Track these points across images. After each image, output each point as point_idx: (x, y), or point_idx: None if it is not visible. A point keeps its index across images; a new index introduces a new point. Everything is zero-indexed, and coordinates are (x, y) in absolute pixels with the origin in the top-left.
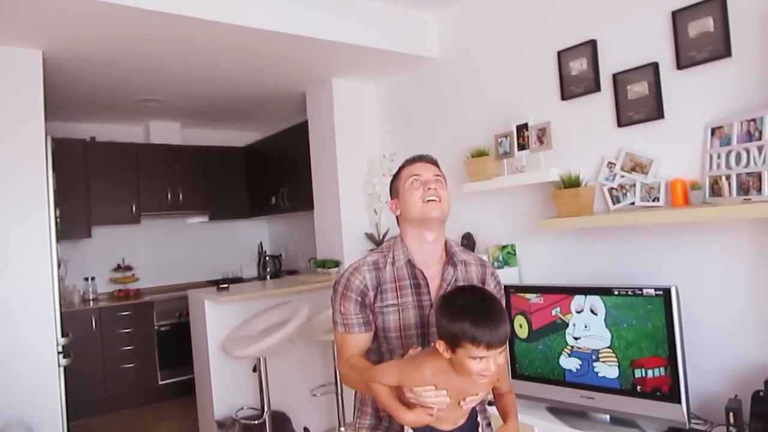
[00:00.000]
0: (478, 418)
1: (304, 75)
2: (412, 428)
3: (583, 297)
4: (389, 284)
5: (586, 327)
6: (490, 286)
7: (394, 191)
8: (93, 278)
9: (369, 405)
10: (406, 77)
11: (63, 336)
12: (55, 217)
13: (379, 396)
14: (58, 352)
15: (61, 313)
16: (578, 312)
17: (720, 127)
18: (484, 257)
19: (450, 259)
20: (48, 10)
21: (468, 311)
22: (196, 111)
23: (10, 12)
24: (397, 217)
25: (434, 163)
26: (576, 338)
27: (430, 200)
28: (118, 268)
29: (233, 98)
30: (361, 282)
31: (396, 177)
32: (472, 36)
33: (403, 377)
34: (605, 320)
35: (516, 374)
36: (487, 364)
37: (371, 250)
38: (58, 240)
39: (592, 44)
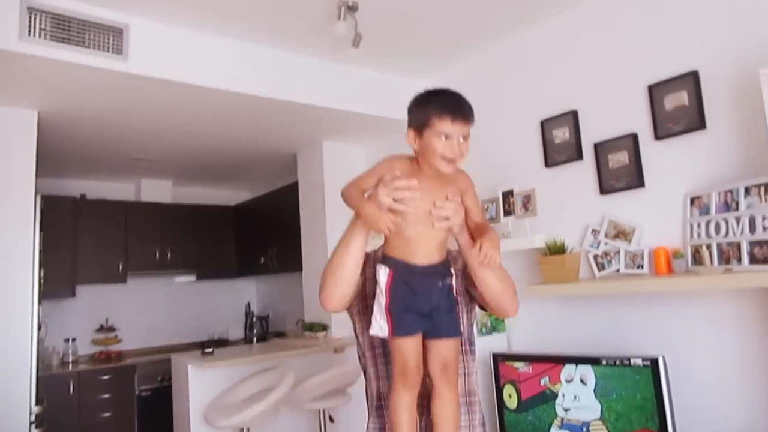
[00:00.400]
0: (452, 269)
1: (295, 137)
2: (387, 267)
3: (573, 366)
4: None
5: (575, 398)
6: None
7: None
8: (74, 339)
9: (375, 399)
10: (395, 140)
11: (37, 404)
12: (39, 278)
13: (348, 194)
14: (31, 422)
15: (38, 378)
16: (568, 381)
17: (699, 197)
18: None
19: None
20: (45, 75)
21: (435, 94)
22: (188, 170)
23: (7, 74)
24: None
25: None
26: (566, 409)
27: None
28: (101, 328)
29: (225, 158)
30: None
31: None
32: None
33: (368, 176)
34: (595, 390)
35: None
36: (452, 143)
37: None
38: (40, 301)
39: (574, 114)
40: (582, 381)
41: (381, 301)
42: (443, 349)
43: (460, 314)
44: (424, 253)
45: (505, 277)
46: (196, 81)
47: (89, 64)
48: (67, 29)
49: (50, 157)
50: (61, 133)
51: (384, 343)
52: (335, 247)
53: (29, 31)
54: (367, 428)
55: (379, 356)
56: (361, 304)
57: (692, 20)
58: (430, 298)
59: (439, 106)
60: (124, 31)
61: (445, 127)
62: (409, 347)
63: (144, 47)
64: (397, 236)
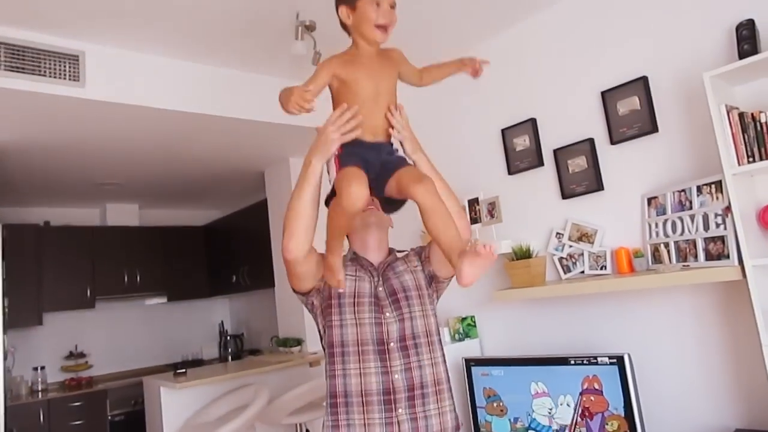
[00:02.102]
0: (393, 136)
1: (261, 156)
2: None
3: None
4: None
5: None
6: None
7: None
8: (43, 368)
9: (331, 396)
10: None
11: None
12: (3, 307)
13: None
14: None
15: (6, 408)
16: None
17: (655, 198)
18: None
19: (391, 252)
20: (2, 104)
21: None
22: (155, 192)
23: None
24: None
25: None
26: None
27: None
28: (71, 355)
29: (192, 179)
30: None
31: None
32: (422, 115)
33: (316, 77)
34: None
35: None
36: (384, 8)
37: None
38: (5, 330)
39: (533, 122)
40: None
41: (331, 169)
42: (404, 171)
43: (423, 305)
44: (371, 132)
45: (450, 196)
46: (155, 104)
47: (47, 92)
48: (21, 58)
49: (12, 185)
50: (21, 161)
51: (344, 342)
52: (291, 197)
53: None
54: (323, 425)
55: (338, 355)
56: (324, 303)
57: (641, 28)
58: (379, 155)
59: None
60: (80, 58)
61: None
62: (353, 170)
63: (101, 73)
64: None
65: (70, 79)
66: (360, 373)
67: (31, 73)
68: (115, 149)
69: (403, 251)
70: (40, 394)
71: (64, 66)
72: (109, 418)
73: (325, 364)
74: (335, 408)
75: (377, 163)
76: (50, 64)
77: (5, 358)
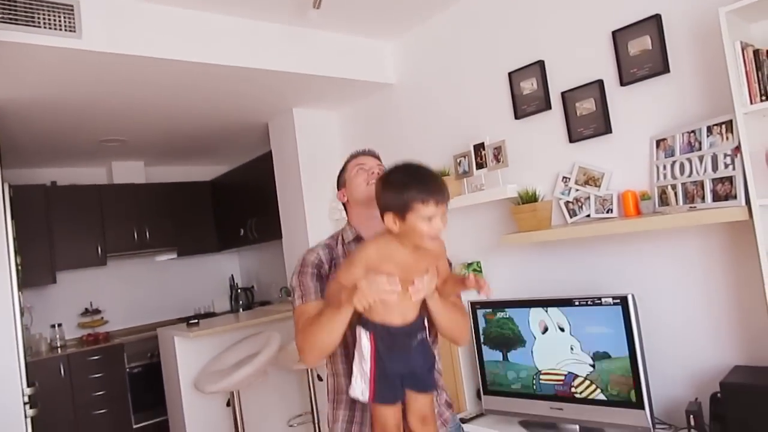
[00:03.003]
0: (425, 322)
1: (265, 106)
2: (368, 331)
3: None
4: (341, 259)
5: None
6: None
7: (341, 183)
8: (60, 325)
9: (344, 392)
10: (365, 104)
11: (29, 386)
12: (17, 265)
13: (331, 292)
14: (24, 403)
15: (27, 363)
16: (543, 333)
17: (664, 140)
18: None
19: None
20: None
21: (413, 177)
22: (160, 148)
23: None
24: (345, 206)
25: (376, 156)
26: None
27: (373, 182)
28: (86, 312)
29: (196, 133)
30: (316, 257)
31: (342, 170)
32: (427, 61)
33: (354, 266)
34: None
35: (487, 390)
36: (436, 223)
37: None
38: (20, 288)
39: (540, 65)
40: (559, 327)
41: (364, 367)
42: (422, 402)
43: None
44: (401, 313)
45: (461, 309)
46: (155, 53)
47: (42, 44)
48: (14, 9)
49: (15, 146)
50: (22, 121)
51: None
52: (316, 324)
53: None
54: (335, 419)
55: (344, 355)
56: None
57: None
58: (409, 359)
59: (421, 190)
60: (75, 8)
61: (429, 211)
62: (389, 412)
63: (98, 23)
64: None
65: (66, 30)
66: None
67: (25, 24)
68: (116, 104)
69: None
70: (59, 350)
71: (59, 16)
72: (128, 370)
73: (332, 361)
74: (352, 404)
75: (406, 364)
76: (44, 14)
77: (22, 314)
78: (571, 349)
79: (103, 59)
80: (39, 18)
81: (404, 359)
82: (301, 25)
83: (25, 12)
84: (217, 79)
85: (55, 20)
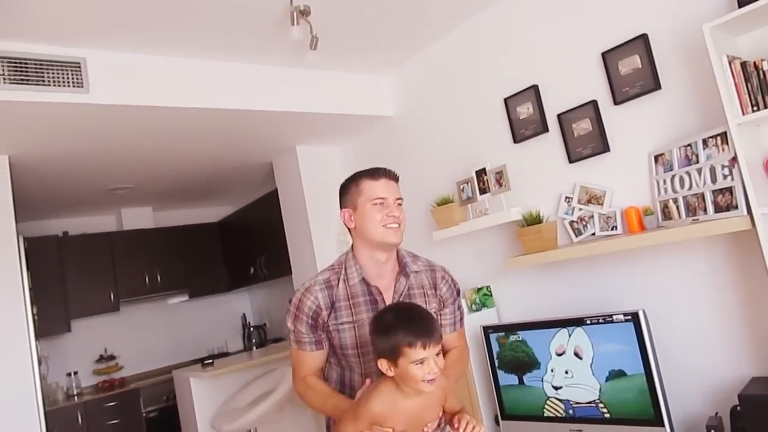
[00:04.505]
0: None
1: (269, 146)
2: None
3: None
4: (343, 302)
5: (567, 373)
6: (442, 290)
7: (349, 201)
8: (76, 373)
9: None
10: (366, 137)
11: None
12: (33, 315)
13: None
14: None
15: (45, 413)
16: (558, 354)
17: (662, 155)
18: (434, 261)
19: (403, 269)
20: (9, 118)
21: (398, 321)
22: (167, 193)
23: None
24: (350, 231)
25: (396, 180)
26: (556, 388)
27: (391, 227)
28: (101, 358)
29: (202, 176)
30: (312, 302)
31: (353, 187)
32: (423, 92)
33: (359, 420)
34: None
35: (505, 416)
36: (429, 365)
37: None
38: (37, 338)
39: (535, 89)
40: (576, 355)
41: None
42: None
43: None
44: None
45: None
46: (159, 102)
47: (52, 101)
48: (24, 71)
49: (28, 200)
50: (34, 175)
51: (342, 345)
52: (315, 402)
53: None
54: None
55: (360, 355)
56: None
57: None
58: None
59: (407, 333)
60: (81, 65)
61: (418, 354)
62: None
63: (104, 77)
64: None
65: (74, 86)
66: (362, 372)
67: (35, 84)
68: (124, 153)
69: (416, 258)
70: (76, 398)
71: (67, 74)
72: (144, 414)
73: (339, 357)
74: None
75: None
76: (53, 73)
77: (40, 364)
78: (588, 368)
79: (110, 111)
80: (48, 77)
81: None
82: (299, 66)
83: (36, 72)
84: (221, 123)
85: (63, 78)
